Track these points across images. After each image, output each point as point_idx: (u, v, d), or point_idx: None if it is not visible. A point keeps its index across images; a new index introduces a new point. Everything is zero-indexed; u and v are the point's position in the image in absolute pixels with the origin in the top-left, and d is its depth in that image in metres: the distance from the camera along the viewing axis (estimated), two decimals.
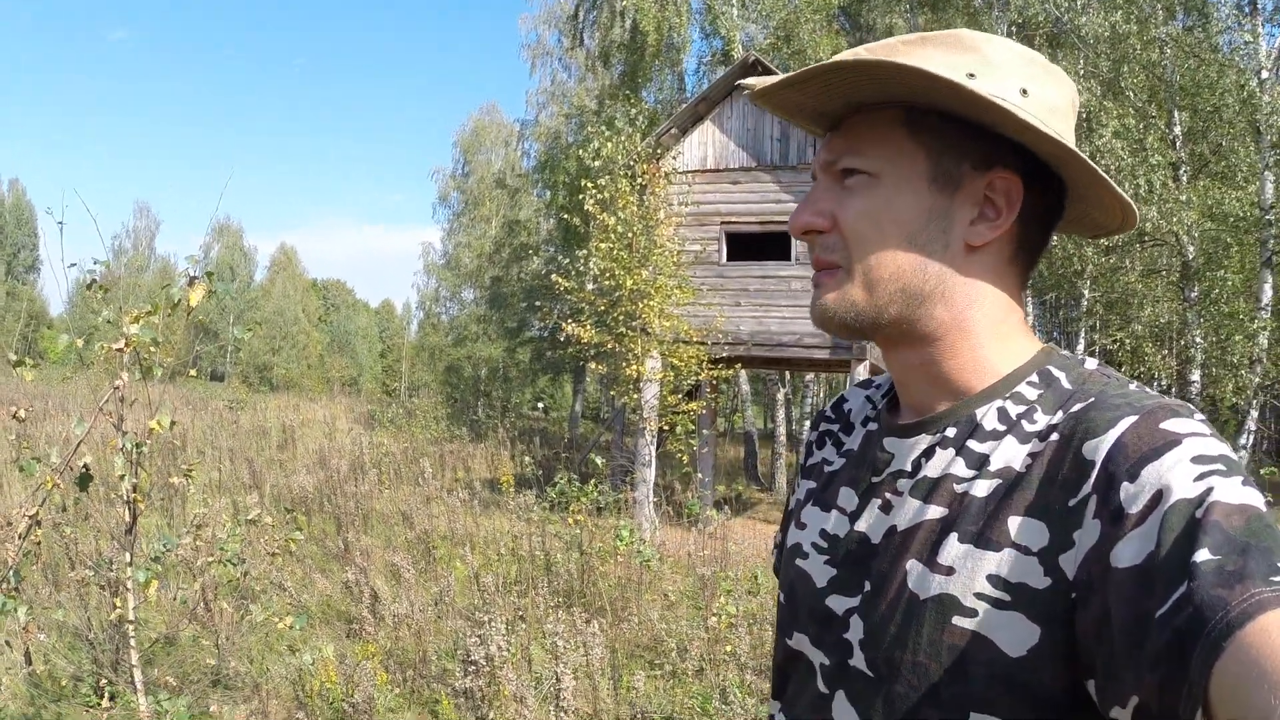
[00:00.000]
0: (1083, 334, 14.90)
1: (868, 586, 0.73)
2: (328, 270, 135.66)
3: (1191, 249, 11.92)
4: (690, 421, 11.16)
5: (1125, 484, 0.58)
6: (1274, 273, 11.39)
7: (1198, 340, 11.99)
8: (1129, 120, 11.90)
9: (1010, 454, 0.68)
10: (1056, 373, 0.72)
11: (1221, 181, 11.98)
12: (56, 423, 11.73)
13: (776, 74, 0.86)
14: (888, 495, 0.75)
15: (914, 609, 0.68)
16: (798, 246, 10.87)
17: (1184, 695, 0.49)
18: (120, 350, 2.99)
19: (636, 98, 18.32)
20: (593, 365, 12.29)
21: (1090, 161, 0.69)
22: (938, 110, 0.71)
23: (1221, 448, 0.59)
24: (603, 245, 10.85)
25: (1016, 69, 0.70)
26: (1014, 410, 0.71)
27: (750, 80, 0.75)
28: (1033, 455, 0.67)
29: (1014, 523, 0.65)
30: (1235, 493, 0.55)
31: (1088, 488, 0.61)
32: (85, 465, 3.05)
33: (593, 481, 8.99)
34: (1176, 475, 0.57)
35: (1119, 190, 0.71)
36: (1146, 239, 12.33)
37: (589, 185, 10.87)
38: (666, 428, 11.10)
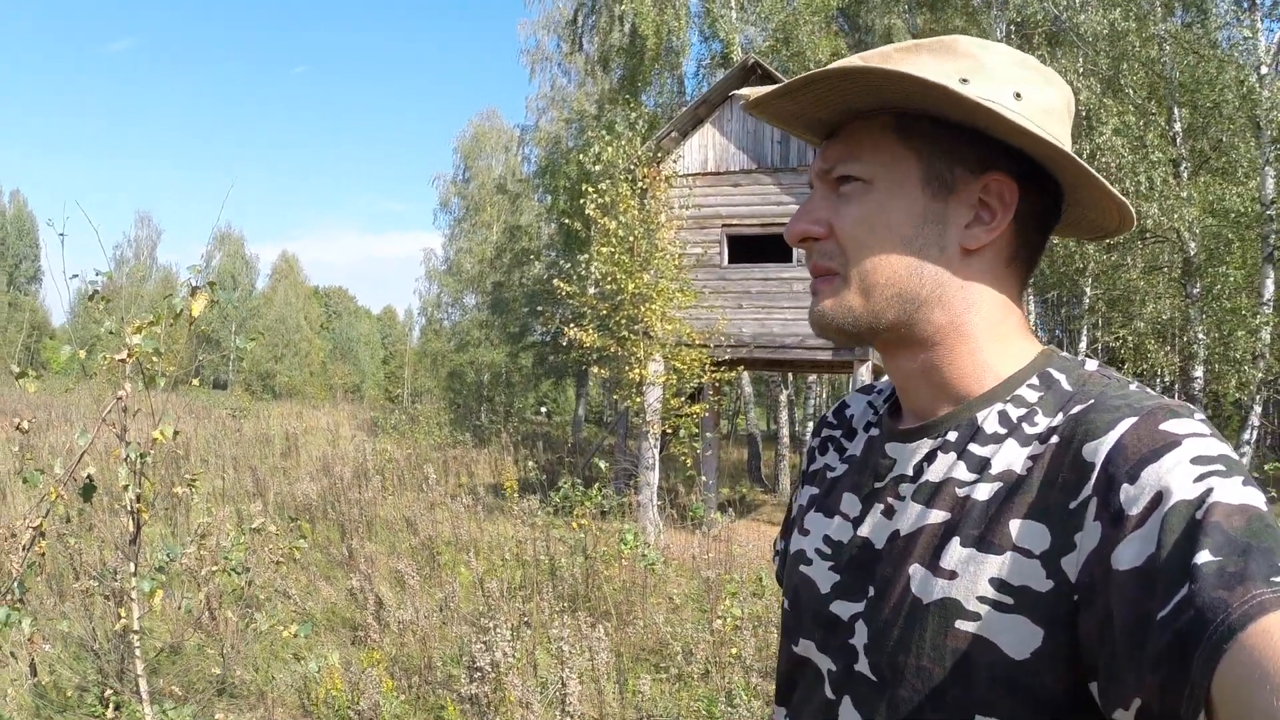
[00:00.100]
0: (1085, 331, 14.89)
1: (871, 591, 0.73)
2: (329, 277, 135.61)
3: (1193, 245, 11.90)
4: (693, 424, 11.15)
5: (1125, 486, 0.58)
6: (1275, 268, 11.36)
7: (1200, 336, 11.96)
8: (1129, 117, 11.88)
9: (1011, 457, 0.68)
10: (1057, 375, 0.72)
11: (1222, 177, 11.95)
12: (60, 433, 11.74)
13: (776, 77, 0.86)
14: (890, 500, 0.76)
15: (917, 613, 0.68)
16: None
17: (1186, 697, 0.49)
18: (123, 360, 3.00)
19: (636, 102, 18.35)
20: (595, 369, 12.27)
21: (1084, 163, 0.69)
22: (930, 115, 0.71)
23: (1221, 448, 0.59)
24: (604, 249, 10.84)
25: (1010, 73, 0.71)
26: (1014, 413, 0.71)
27: (745, 90, 0.75)
28: (1033, 458, 0.67)
29: (1015, 526, 0.65)
30: (1235, 493, 0.55)
31: (1088, 490, 0.61)
32: (89, 476, 3.06)
33: (597, 485, 8.99)
34: (1176, 476, 0.57)
35: (1114, 192, 0.71)
36: (1148, 236, 12.30)
37: (590, 190, 10.87)
38: (670, 431, 11.09)
